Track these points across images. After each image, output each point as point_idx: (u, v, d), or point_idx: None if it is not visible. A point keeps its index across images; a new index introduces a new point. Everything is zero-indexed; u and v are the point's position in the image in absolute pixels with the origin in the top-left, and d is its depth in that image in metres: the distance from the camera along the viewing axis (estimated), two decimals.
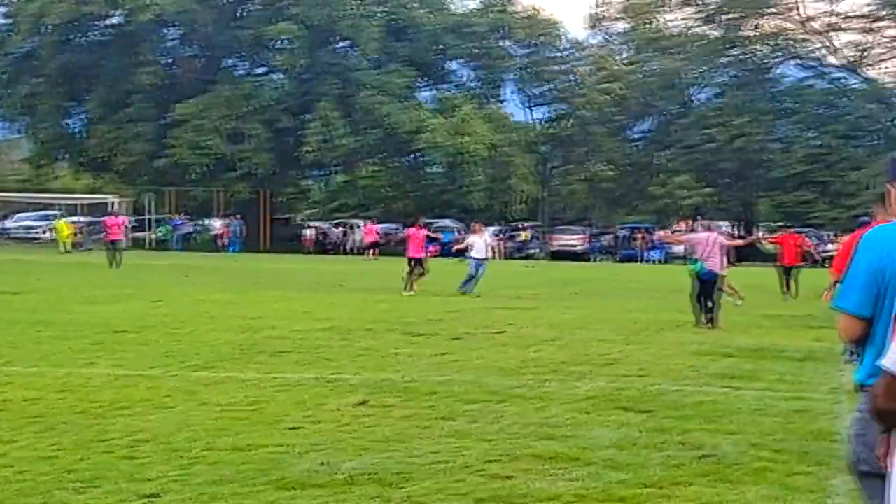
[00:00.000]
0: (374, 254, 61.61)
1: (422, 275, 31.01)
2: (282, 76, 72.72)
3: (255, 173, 69.86)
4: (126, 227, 47.44)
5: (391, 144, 72.43)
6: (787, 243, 32.98)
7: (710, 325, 21.31)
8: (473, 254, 31.37)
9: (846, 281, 4.56)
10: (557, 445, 9.37)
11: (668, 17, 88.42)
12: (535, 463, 8.73)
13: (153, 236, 69.54)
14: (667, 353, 16.51)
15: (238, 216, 68.44)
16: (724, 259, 22.29)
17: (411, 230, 32.61)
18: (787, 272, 32.09)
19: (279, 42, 69.96)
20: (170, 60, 75.03)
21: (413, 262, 31.12)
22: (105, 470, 8.22)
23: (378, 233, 65.29)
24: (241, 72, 76.37)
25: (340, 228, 72.40)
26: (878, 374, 3.71)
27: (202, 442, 9.27)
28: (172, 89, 71.17)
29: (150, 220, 70.62)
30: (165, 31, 74.65)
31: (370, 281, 35.87)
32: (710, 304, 21.71)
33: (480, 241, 31.96)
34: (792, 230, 36.03)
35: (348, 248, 69.24)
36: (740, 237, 74.17)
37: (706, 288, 21.77)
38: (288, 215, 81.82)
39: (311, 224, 76.37)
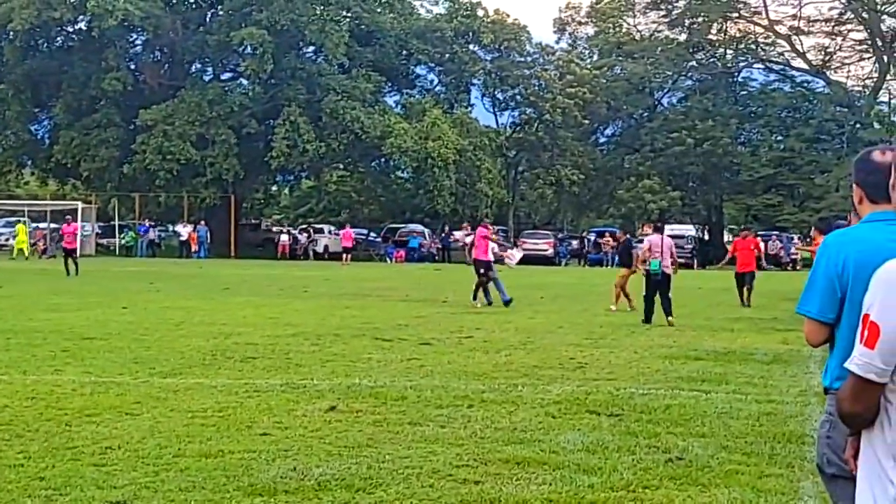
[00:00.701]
0: (347, 259, 61.56)
1: (486, 282, 28.04)
2: (248, 81, 72.53)
3: (223, 179, 69.64)
4: (77, 234, 46.27)
5: (358, 149, 72.38)
6: (740, 248, 30.96)
7: (670, 322, 22.72)
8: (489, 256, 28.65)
9: (807, 286, 4.59)
10: (527, 450, 9.38)
11: (635, 21, 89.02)
12: (505, 467, 8.74)
13: (120, 242, 69.16)
14: (636, 357, 16.56)
15: (203, 222, 68.17)
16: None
17: (481, 230, 29.18)
18: (740, 278, 30.17)
19: (246, 47, 69.78)
20: (136, 66, 74.68)
21: (483, 268, 27.90)
22: (73, 477, 8.18)
23: (353, 238, 65.27)
24: (208, 77, 76.15)
25: (304, 234, 72.19)
26: (844, 377, 3.76)
27: (171, 448, 9.23)
28: (139, 95, 70.88)
29: (116, 226, 70.30)
30: (131, 36, 74.35)
31: (336, 287, 35.80)
32: (665, 303, 23.24)
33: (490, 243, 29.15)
34: (746, 233, 33.14)
35: (317, 252, 68.99)
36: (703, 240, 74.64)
37: (658, 287, 23.37)
38: (256, 221, 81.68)
39: (286, 229, 76.17)
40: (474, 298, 27.72)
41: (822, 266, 4.53)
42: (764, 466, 8.93)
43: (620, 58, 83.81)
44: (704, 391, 13.00)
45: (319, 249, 69.26)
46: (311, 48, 73.45)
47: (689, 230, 77.70)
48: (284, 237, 71.45)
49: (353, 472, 8.48)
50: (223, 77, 76.33)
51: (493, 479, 8.36)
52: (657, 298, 23.38)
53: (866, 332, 3.20)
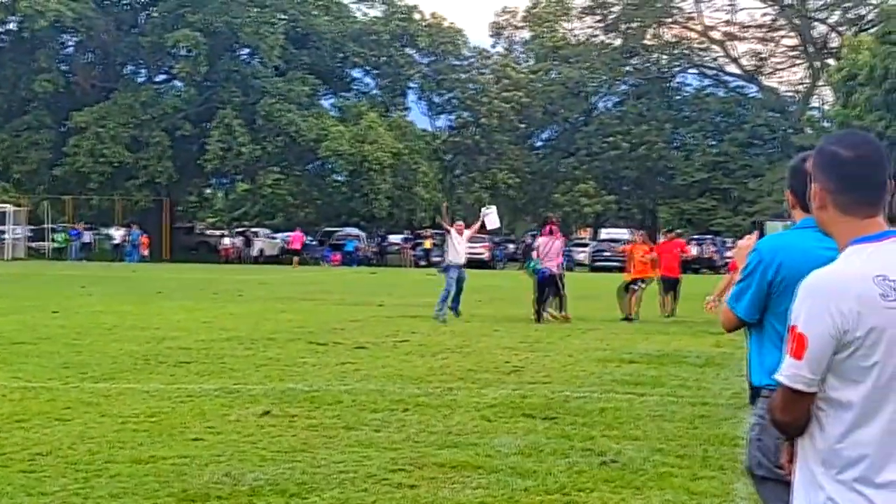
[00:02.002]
0: (297, 263, 61.54)
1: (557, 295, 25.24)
2: (183, 83, 72.01)
3: (156, 181, 69.09)
4: None
5: (294, 152, 72.12)
6: (665, 251, 28.31)
7: (565, 319, 24.14)
8: (452, 259, 25.32)
9: (741, 284, 4.71)
10: (462, 453, 9.36)
11: (570, 25, 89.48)
12: (441, 471, 8.72)
13: (51, 246, 68.25)
14: (571, 360, 16.60)
15: (135, 225, 67.46)
16: (562, 261, 25.35)
17: (546, 238, 25.74)
18: (665, 284, 27.44)
19: (179, 49, 69.26)
20: (68, 67, 73.84)
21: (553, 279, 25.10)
22: (2, 484, 8.05)
23: (303, 241, 65.16)
24: (142, 79, 75.54)
25: (241, 238, 71.58)
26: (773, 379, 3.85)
27: (102, 454, 9.12)
28: (71, 96, 70.16)
29: (47, 229, 69.38)
30: (63, 37, 73.50)
31: (271, 290, 35.60)
32: (559, 301, 24.61)
33: (453, 242, 25.58)
34: (671, 235, 30.78)
35: (252, 255, 68.52)
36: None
37: (545, 287, 24.44)
38: (190, 224, 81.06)
39: (230, 233, 75.40)
40: (562, 310, 24.98)
41: (757, 271, 4.63)
42: (697, 469, 8.97)
43: (556, 62, 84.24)
44: (638, 394, 13.06)
45: (254, 253, 68.84)
46: (246, 50, 73.12)
47: (623, 234, 78.16)
48: (227, 240, 70.68)
49: (287, 477, 8.42)
50: (157, 79, 75.74)
51: (429, 483, 8.33)
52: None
53: (794, 343, 3.23)
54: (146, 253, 65.66)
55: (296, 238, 64.94)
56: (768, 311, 4.65)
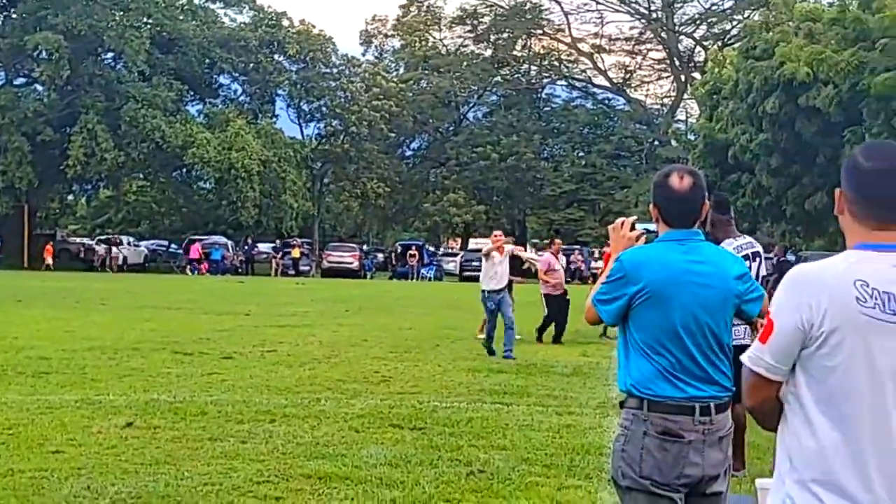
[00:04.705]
0: (201, 269, 60.95)
1: None
2: (44, 87, 70.45)
3: (16, 187, 67.42)
4: None
5: (159, 159, 71.04)
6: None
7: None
8: (484, 284, 19.36)
9: (605, 287, 4.81)
10: (329, 465, 9.30)
11: (441, 35, 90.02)
12: (307, 483, 8.65)
13: None
14: (440, 370, 16.61)
15: None
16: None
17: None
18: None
19: (41, 52, 67.75)
20: None
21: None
22: None
23: (201, 251, 64.59)
24: (0, 82, 73.71)
25: (104, 245, 70.11)
26: (641, 382, 4.46)
27: None
28: None
29: None
30: None
31: (136, 299, 35.04)
32: None
33: (488, 263, 19.35)
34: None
35: (118, 263, 67.33)
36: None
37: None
38: (52, 231, 79.44)
39: (104, 241, 73.70)
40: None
41: (619, 282, 4.75)
42: (563, 478, 9.03)
43: (426, 71, 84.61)
44: (506, 404, 13.11)
45: (119, 261, 67.65)
46: (111, 54, 71.84)
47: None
48: (115, 249, 69.11)
49: (150, 489, 8.27)
50: (16, 82, 73.88)
51: (295, 494, 8.26)
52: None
53: (764, 329, 3.38)
54: (50, 261, 64.14)
55: (194, 249, 64.60)
56: (630, 321, 4.73)
